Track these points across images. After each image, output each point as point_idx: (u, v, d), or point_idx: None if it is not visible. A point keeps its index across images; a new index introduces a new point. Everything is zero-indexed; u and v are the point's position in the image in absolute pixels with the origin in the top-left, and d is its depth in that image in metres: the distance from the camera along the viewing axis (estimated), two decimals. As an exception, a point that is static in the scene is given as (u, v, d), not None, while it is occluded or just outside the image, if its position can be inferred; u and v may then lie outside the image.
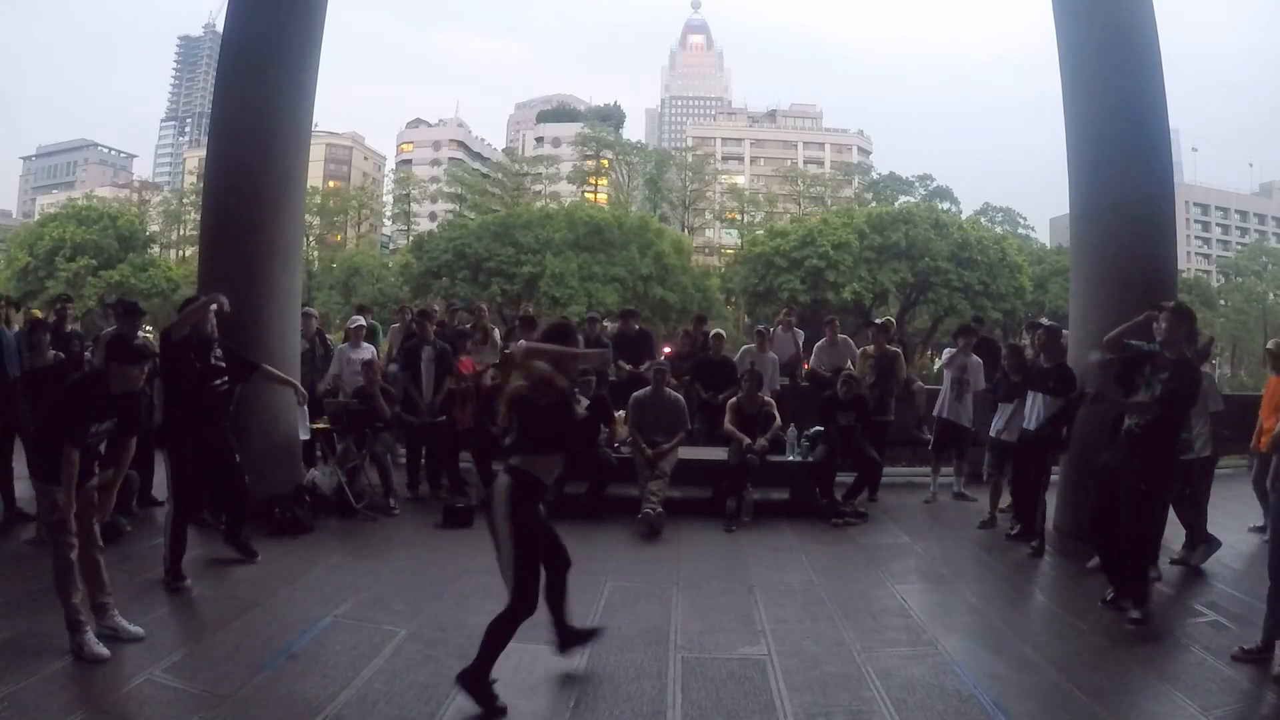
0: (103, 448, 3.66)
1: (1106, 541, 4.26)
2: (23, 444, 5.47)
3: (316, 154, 48.41)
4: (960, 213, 46.06)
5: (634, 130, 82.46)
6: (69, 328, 6.06)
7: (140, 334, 6.30)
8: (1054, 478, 5.57)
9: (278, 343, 5.96)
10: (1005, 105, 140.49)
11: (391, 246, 57.37)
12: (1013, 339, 23.62)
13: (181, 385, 4.55)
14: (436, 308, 8.60)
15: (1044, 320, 6.19)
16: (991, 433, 6.14)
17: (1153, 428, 4.04)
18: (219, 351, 4.71)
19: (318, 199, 47.95)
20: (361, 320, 7.57)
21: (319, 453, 6.50)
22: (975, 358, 7.15)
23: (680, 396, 6.67)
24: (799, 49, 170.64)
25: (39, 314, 6.51)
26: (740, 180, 63.66)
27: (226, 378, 4.74)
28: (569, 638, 3.45)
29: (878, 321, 7.99)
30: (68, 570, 3.38)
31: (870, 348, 7.44)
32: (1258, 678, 3.43)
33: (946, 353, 7.48)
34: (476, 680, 3.02)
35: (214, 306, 4.64)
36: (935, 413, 7.11)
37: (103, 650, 3.33)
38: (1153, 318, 4.59)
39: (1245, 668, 3.50)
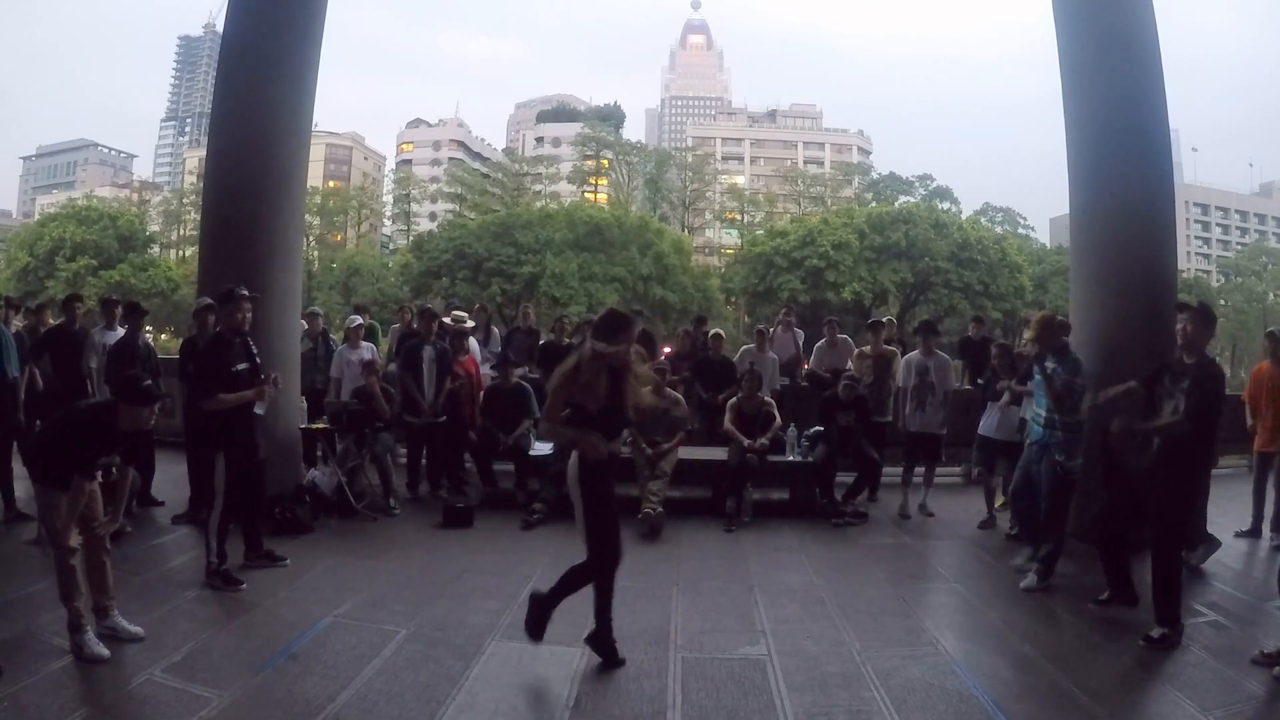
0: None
1: (1110, 543, 4.23)
2: (19, 447, 5.48)
3: (316, 154, 48.39)
4: (960, 213, 46.20)
5: (634, 130, 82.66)
6: (78, 326, 6.06)
7: (142, 337, 6.29)
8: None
9: (277, 342, 5.96)
10: (1005, 105, 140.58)
11: (391, 246, 57.42)
12: (1013, 338, 23.63)
13: (226, 384, 4.45)
14: (431, 308, 8.60)
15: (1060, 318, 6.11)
16: (981, 431, 6.12)
17: (1182, 439, 3.83)
18: (253, 347, 4.69)
19: (318, 199, 47.98)
20: (360, 320, 7.56)
21: (319, 453, 6.50)
22: (941, 356, 6.75)
23: (680, 396, 6.67)
24: (799, 49, 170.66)
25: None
26: (740, 180, 63.70)
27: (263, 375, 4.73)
28: (600, 638, 3.46)
29: (872, 321, 7.92)
30: (70, 576, 3.37)
31: (867, 348, 7.40)
32: (1257, 678, 3.42)
33: (904, 361, 6.86)
34: (540, 609, 3.45)
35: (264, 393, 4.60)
36: (902, 426, 6.73)
37: (103, 650, 3.33)
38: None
39: (1245, 667, 3.50)
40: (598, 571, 3.40)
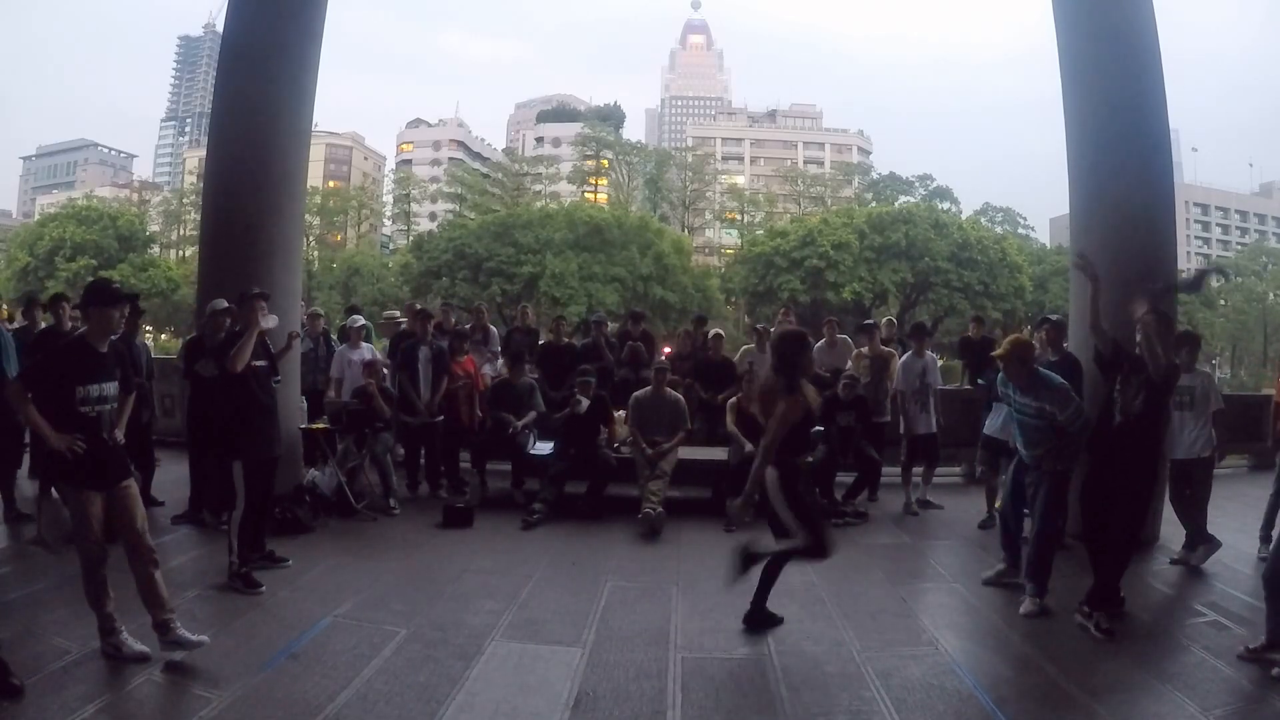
0: (120, 433, 3.49)
1: (1092, 548, 4.22)
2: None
3: (316, 154, 48.45)
4: (960, 213, 46.11)
5: (634, 130, 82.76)
6: (67, 326, 6.04)
7: (139, 338, 6.29)
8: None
9: (277, 342, 5.96)
10: (1005, 105, 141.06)
11: (391, 246, 57.39)
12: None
13: (248, 384, 4.49)
14: (425, 308, 8.59)
15: (1051, 316, 6.15)
16: (986, 431, 6.13)
17: (1141, 425, 4.03)
18: (269, 345, 4.74)
19: (318, 199, 47.93)
20: (361, 320, 7.56)
21: (319, 453, 6.49)
22: (931, 355, 6.98)
23: (680, 396, 6.67)
24: (799, 49, 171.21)
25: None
26: (740, 180, 63.68)
27: (279, 375, 4.79)
28: (760, 613, 3.91)
29: (867, 323, 7.99)
30: (98, 582, 3.29)
31: (865, 349, 7.42)
32: (1257, 678, 3.42)
33: (902, 362, 6.90)
34: (758, 613, 3.91)
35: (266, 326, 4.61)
36: (903, 431, 6.79)
37: (142, 647, 3.31)
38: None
39: (1245, 668, 3.50)
40: (818, 557, 3.90)
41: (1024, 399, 4.32)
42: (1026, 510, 5.10)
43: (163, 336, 39.22)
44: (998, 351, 4.48)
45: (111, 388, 3.41)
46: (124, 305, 3.53)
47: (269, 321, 4.65)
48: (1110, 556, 4.09)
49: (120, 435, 3.48)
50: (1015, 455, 4.76)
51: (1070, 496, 4.80)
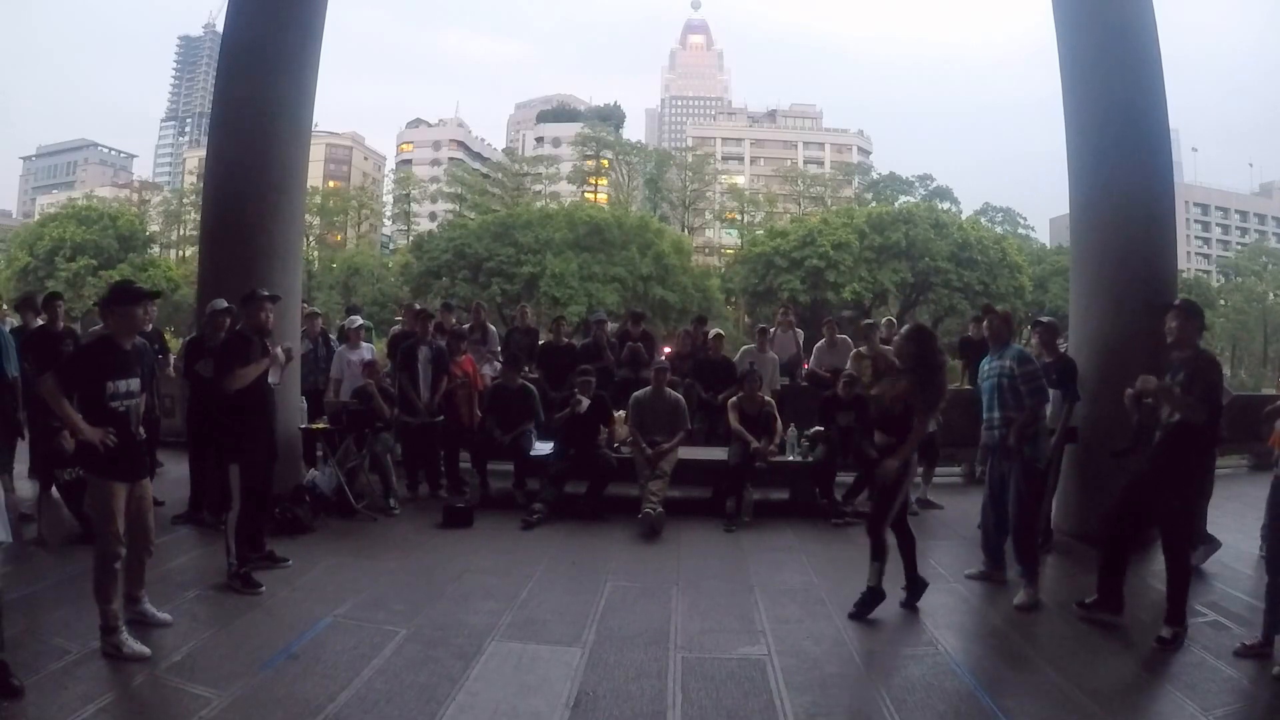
0: (141, 429, 3.64)
1: (1114, 544, 4.20)
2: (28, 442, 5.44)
3: (316, 154, 48.36)
4: (960, 213, 46.12)
5: (634, 130, 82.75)
6: (60, 325, 6.01)
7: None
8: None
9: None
10: (1005, 106, 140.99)
11: (391, 246, 57.41)
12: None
13: (250, 387, 4.48)
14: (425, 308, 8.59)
15: (1042, 318, 6.15)
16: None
17: (1186, 428, 3.82)
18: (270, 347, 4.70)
19: (318, 199, 47.91)
20: (361, 320, 7.56)
21: (319, 453, 6.50)
22: None
23: (680, 396, 6.68)
24: (799, 49, 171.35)
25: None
26: (740, 180, 63.63)
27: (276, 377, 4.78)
28: (914, 586, 4.28)
29: (865, 322, 7.99)
30: (110, 577, 3.37)
31: (864, 348, 7.41)
32: (1258, 678, 3.42)
33: None
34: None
35: (279, 354, 4.61)
36: None
37: (142, 648, 3.34)
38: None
39: (1246, 667, 3.50)
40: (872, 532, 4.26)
41: (992, 363, 4.62)
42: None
43: (164, 336, 39.14)
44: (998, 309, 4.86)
45: (136, 384, 3.60)
46: (147, 302, 3.71)
47: (274, 376, 4.65)
48: (1168, 569, 3.88)
49: (142, 431, 3.68)
50: (991, 456, 4.74)
51: (1076, 495, 4.78)
